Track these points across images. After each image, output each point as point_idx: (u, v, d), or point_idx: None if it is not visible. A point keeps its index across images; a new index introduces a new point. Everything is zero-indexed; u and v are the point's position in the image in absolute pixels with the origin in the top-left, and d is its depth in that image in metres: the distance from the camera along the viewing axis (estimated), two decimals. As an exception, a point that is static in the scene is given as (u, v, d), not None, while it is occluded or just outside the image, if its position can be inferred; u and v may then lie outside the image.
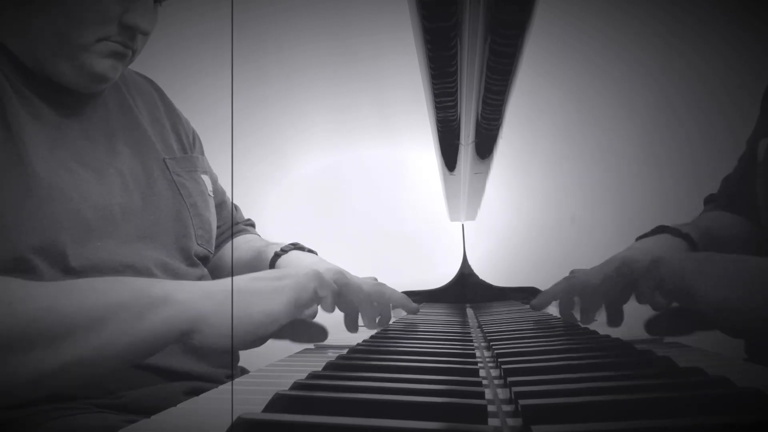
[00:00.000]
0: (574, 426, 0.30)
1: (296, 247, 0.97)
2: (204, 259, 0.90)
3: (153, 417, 0.37)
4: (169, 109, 0.97)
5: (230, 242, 1.04)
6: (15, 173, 0.66)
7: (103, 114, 0.82)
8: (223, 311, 0.54)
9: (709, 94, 1.69)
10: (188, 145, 0.96)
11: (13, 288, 0.50)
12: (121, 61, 0.77)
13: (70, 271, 0.67)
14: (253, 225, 1.14)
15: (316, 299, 0.64)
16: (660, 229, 0.96)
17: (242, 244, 1.04)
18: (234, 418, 0.32)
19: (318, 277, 0.64)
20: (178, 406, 0.40)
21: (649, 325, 0.72)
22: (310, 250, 0.99)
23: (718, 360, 0.54)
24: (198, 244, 0.87)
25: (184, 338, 0.53)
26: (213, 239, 0.93)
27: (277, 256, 0.94)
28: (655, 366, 0.47)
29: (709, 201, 1.13)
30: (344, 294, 0.72)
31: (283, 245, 0.97)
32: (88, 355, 0.49)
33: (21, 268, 0.63)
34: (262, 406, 0.36)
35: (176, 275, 0.79)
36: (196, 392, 0.46)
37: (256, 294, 0.58)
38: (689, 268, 0.63)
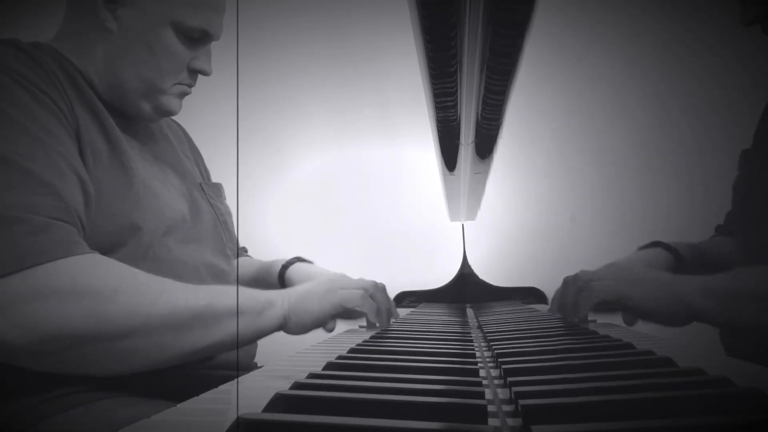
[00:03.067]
0: (574, 426, 0.30)
1: (298, 259, 1.15)
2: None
3: (153, 417, 0.37)
4: (191, 145, 1.12)
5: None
6: (119, 174, 0.81)
7: (154, 142, 0.97)
8: (297, 310, 0.80)
9: (706, 97, 1.69)
10: (205, 177, 1.11)
11: (184, 288, 0.74)
12: (183, 98, 0.91)
13: (147, 257, 0.81)
14: (246, 250, 1.29)
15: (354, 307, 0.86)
16: (655, 244, 1.09)
17: (244, 263, 1.20)
18: (233, 418, 0.32)
19: (365, 299, 0.86)
20: (178, 406, 0.40)
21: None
22: (309, 262, 1.16)
23: (718, 359, 0.54)
24: (230, 257, 1.02)
25: (279, 329, 0.80)
26: (236, 253, 1.08)
27: (284, 268, 1.12)
28: (656, 366, 0.47)
29: (719, 228, 1.23)
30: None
31: (287, 259, 1.15)
32: (227, 338, 0.75)
33: (115, 242, 0.78)
34: (262, 406, 0.36)
35: (216, 277, 0.95)
36: (231, 379, 0.51)
37: (312, 300, 0.82)
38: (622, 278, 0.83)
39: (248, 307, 0.77)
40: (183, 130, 1.12)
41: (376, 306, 0.89)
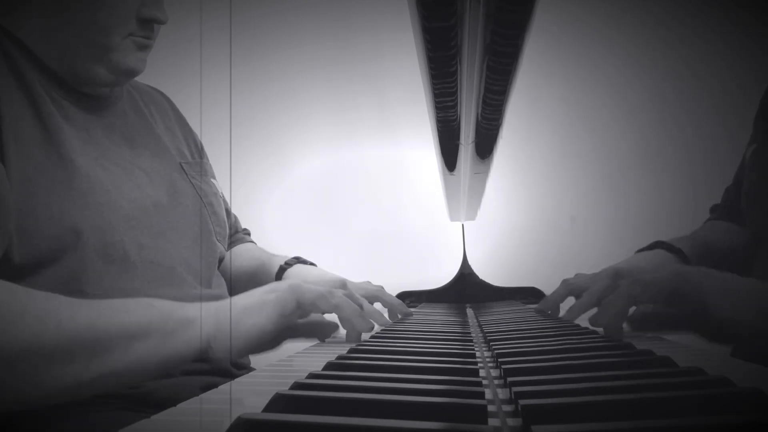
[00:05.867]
0: (574, 426, 0.30)
1: (299, 260, 1.03)
2: (219, 260, 0.95)
3: (153, 417, 0.37)
4: (179, 118, 1.02)
5: (232, 250, 1.08)
6: (56, 168, 0.71)
7: (123, 119, 0.87)
8: (224, 330, 0.62)
9: (707, 95, 1.69)
10: (196, 153, 1.01)
11: (60, 305, 0.58)
12: (145, 52, 0.81)
13: (110, 260, 0.72)
14: (249, 234, 1.18)
15: (300, 309, 0.69)
16: (657, 244, 1.02)
17: (244, 253, 1.08)
18: (233, 418, 0.32)
19: (298, 290, 0.69)
20: (178, 406, 0.40)
21: (635, 323, 0.75)
22: (311, 263, 1.04)
23: (717, 359, 0.54)
24: (217, 241, 0.93)
25: (201, 356, 0.62)
26: (227, 238, 0.98)
27: (282, 269, 1.00)
28: (655, 366, 0.47)
29: (714, 210, 1.17)
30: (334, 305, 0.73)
31: (287, 258, 1.02)
32: (121, 368, 0.58)
33: (55, 249, 0.68)
34: (262, 406, 0.36)
35: (197, 275, 0.85)
36: (212, 387, 0.48)
37: (246, 310, 0.65)
38: (707, 284, 0.67)
39: (154, 326, 0.60)
40: (169, 101, 1.02)
41: (344, 308, 0.72)
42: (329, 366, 0.50)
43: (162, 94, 1.02)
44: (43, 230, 0.68)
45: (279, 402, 0.36)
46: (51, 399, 0.59)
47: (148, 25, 0.79)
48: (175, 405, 0.41)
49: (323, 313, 0.74)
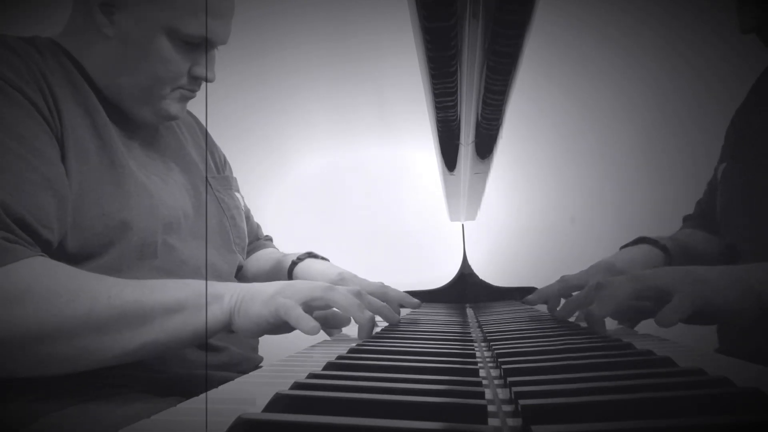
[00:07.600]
0: (574, 426, 0.30)
1: (310, 255, 1.11)
2: (238, 268, 1.03)
3: (153, 417, 0.37)
4: (206, 135, 1.10)
5: (253, 255, 1.18)
6: (109, 171, 0.79)
7: (157, 138, 0.95)
8: (241, 310, 0.72)
9: (709, 95, 1.69)
10: (221, 168, 1.11)
11: (110, 284, 0.68)
12: (186, 102, 0.91)
13: (144, 256, 0.80)
14: (271, 240, 1.27)
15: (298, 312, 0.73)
16: (641, 240, 1.06)
17: (264, 257, 1.17)
18: (233, 418, 0.32)
19: (306, 296, 0.74)
20: (178, 406, 0.40)
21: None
22: (323, 258, 1.13)
23: (718, 359, 0.54)
24: (236, 251, 1.01)
25: (226, 328, 0.73)
26: (246, 248, 1.07)
27: (294, 264, 1.08)
28: (656, 366, 0.47)
29: (686, 219, 1.21)
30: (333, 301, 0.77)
31: (300, 254, 1.11)
32: (163, 337, 0.68)
33: (104, 243, 0.76)
34: (262, 406, 0.36)
35: (220, 275, 0.94)
36: (227, 380, 0.50)
37: (254, 300, 0.73)
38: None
39: (188, 302, 0.70)
40: (197, 120, 1.11)
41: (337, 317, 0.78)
42: (329, 366, 0.50)
43: (191, 114, 1.10)
44: (95, 226, 0.76)
45: (279, 402, 0.36)
46: (102, 364, 0.68)
47: (196, 81, 0.88)
48: (191, 394, 0.43)
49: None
